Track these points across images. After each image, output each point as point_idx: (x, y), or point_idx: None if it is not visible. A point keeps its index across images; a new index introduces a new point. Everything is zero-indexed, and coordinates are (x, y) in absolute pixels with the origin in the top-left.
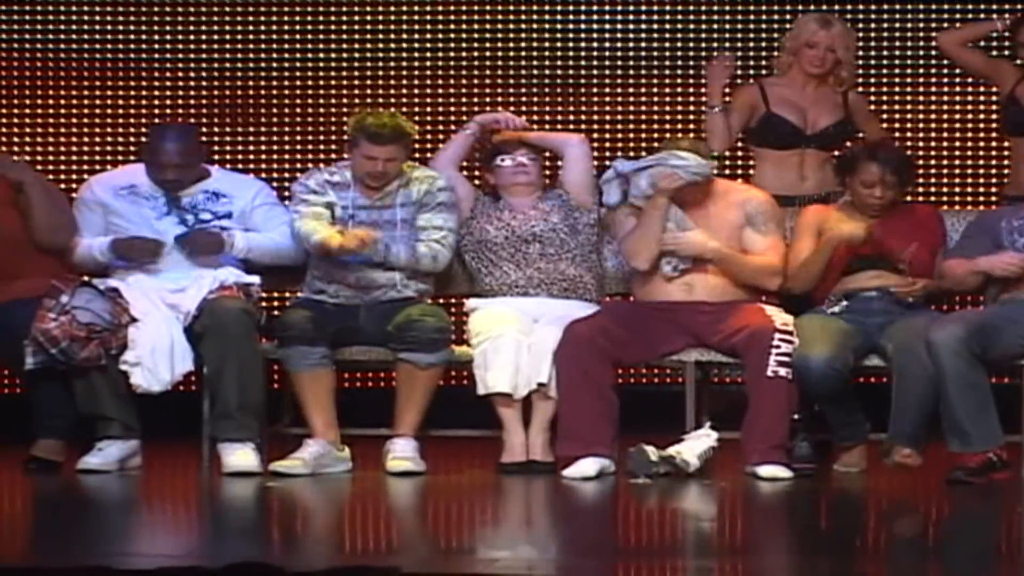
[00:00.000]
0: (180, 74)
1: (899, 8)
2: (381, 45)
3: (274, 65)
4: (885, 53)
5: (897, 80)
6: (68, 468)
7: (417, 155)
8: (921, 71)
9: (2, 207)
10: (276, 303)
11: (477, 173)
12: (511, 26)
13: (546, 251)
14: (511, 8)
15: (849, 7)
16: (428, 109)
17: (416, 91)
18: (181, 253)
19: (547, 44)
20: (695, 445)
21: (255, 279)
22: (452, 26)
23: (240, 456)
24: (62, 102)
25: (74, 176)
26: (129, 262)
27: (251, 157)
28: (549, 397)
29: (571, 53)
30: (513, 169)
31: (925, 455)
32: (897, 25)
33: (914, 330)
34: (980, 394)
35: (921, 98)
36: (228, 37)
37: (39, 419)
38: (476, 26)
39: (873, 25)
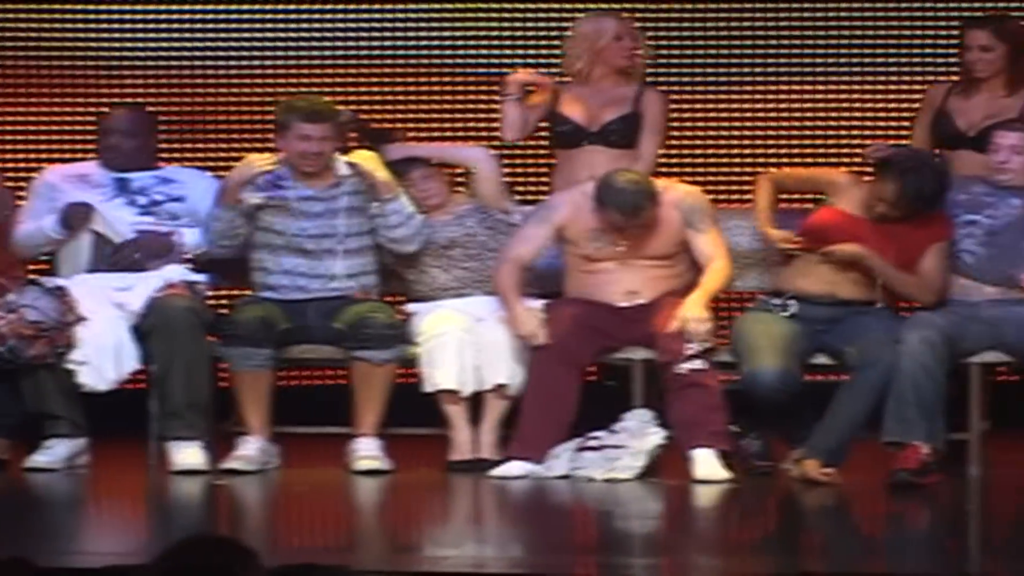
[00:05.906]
0: (140, 80)
1: None
2: (353, 50)
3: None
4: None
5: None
6: (15, 466)
7: None
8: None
9: None
10: (225, 300)
11: None
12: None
13: (469, 252)
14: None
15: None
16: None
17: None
18: (130, 258)
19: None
20: (643, 443)
21: (202, 277)
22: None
23: (188, 454)
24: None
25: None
26: (72, 231)
27: (210, 164)
28: (507, 396)
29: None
30: (419, 196)
31: (840, 474)
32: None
33: (879, 338)
34: (936, 389)
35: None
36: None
37: None
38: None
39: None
